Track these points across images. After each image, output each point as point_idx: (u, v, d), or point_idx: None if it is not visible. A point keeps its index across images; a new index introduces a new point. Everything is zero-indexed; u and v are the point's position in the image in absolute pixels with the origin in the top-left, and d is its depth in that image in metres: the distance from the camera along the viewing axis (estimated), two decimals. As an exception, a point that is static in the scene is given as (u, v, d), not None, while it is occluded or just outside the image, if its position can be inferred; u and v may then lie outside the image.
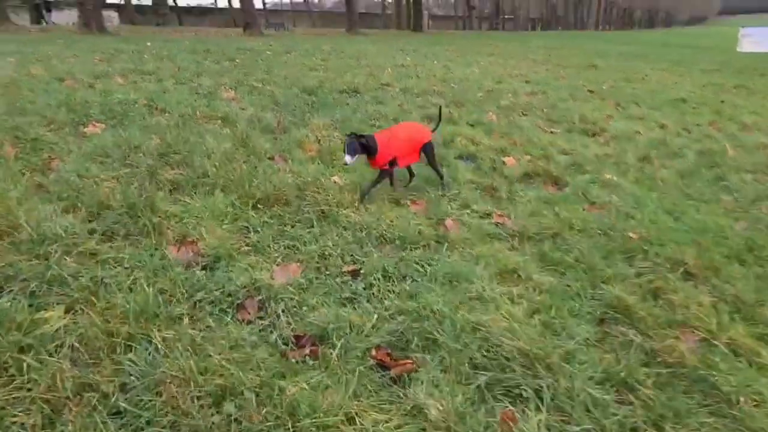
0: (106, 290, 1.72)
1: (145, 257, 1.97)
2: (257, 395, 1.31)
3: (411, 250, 2.30)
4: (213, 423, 1.22)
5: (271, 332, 1.65)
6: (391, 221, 2.56)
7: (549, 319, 1.78)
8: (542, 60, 14.77)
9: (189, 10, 49.70)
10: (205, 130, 3.98)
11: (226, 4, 51.32)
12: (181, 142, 3.55)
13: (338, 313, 1.72)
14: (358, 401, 1.37)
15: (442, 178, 3.20)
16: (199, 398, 1.28)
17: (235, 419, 1.24)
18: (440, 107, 3.75)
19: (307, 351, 1.56)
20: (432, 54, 15.15)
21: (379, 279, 2.00)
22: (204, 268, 1.99)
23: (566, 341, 1.67)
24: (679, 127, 5.98)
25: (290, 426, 1.25)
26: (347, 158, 2.66)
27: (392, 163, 2.90)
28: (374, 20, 55.56)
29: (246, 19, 24.63)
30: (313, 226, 2.47)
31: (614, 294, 1.96)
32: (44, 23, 23.99)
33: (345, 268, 2.08)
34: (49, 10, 27.67)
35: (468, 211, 2.86)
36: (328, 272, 2.04)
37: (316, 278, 2.01)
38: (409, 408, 1.37)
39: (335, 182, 2.97)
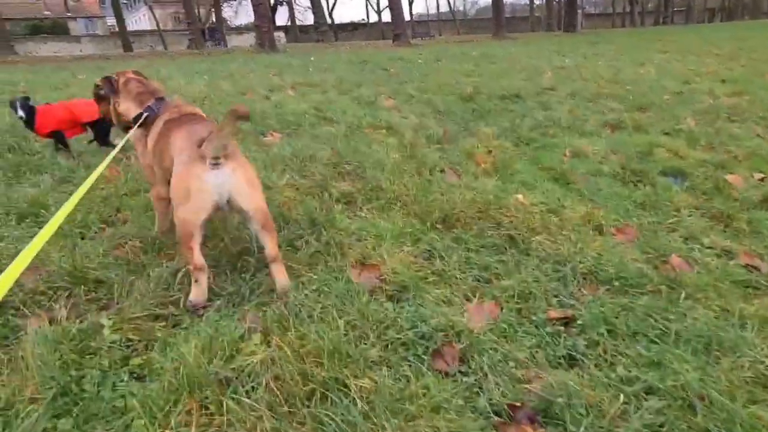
0: (297, 317, 1.59)
1: (331, 280, 1.83)
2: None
3: (634, 295, 1.81)
4: None
5: (478, 393, 1.34)
6: (598, 254, 2.08)
7: None
8: (730, 54, 12.26)
9: (343, 27, 53.88)
10: (372, 140, 3.92)
11: (376, 18, 54.34)
12: (351, 152, 3.51)
13: (563, 380, 1.33)
14: None
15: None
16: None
17: None
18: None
19: (529, 430, 1.21)
20: (593, 54, 13.73)
21: (603, 334, 1.56)
22: (390, 298, 1.77)
23: None
24: None
25: None
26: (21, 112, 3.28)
27: (57, 133, 3.45)
28: (520, 24, 53.39)
29: (395, 31, 25.51)
30: (502, 254, 2.12)
31: None
32: (208, 46, 28.70)
33: (552, 314, 1.69)
34: (211, 37, 33.31)
35: (698, 245, 2.23)
36: (534, 318, 1.66)
37: (519, 323, 1.65)
38: None
39: (520, 201, 2.58)
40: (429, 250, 2.12)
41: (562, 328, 1.62)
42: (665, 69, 9.49)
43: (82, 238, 2.24)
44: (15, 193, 2.63)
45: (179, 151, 1.72)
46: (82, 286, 1.77)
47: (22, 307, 1.66)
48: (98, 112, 3.36)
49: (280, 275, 1.78)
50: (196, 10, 33.02)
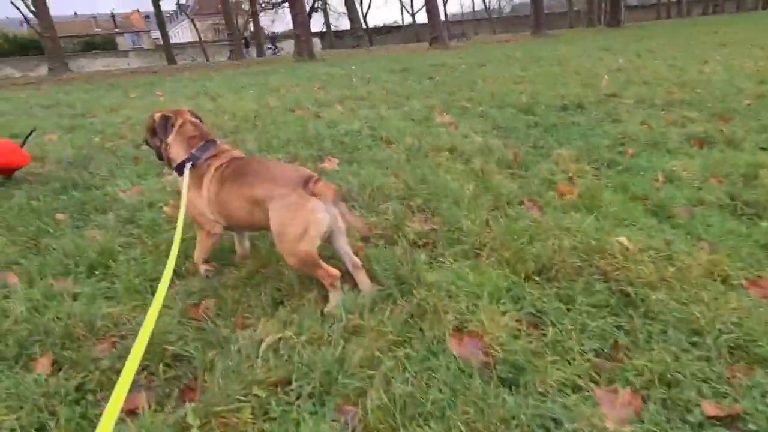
0: (403, 411, 1.37)
1: (432, 358, 1.60)
2: None
3: (804, 380, 1.48)
4: None
5: None
6: (739, 318, 1.75)
7: None
8: (801, 44, 11.24)
9: (377, 30, 54.06)
10: (437, 164, 3.68)
11: (409, 20, 54.16)
12: (418, 180, 3.29)
13: None
14: None
15: None
16: None
17: None
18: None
19: None
20: (646, 51, 13.01)
21: (785, 445, 1.26)
22: (504, 382, 1.52)
23: None
24: None
25: None
26: None
27: None
28: (558, 20, 51.81)
29: (432, 33, 25.22)
30: (617, 316, 1.84)
31: None
32: (246, 57, 29.92)
33: (710, 410, 1.39)
34: (247, 46, 35.26)
35: None
36: (688, 414, 1.38)
37: (669, 422, 1.37)
38: None
39: (624, 245, 2.27)
40: (533, 314, 1.85)
41: (723, 430, 1.33)
42: (732, 66, 8.78)
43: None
44: (82, 239, 2.54)
45: (274, 192, 1.87)
46: (161, 364, 1.61)
47: (98, 392, 1.52)
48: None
49: (365, 282, 2.03)
50: (236, 21, 33.78)
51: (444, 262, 2.24)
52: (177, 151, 2.11)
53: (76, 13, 63.13)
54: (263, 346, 1.66)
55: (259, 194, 1.89)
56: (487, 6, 63.82)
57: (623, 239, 2.32)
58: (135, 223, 2.83)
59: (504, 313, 1.83)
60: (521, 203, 2.91)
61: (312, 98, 7.47)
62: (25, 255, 2.46)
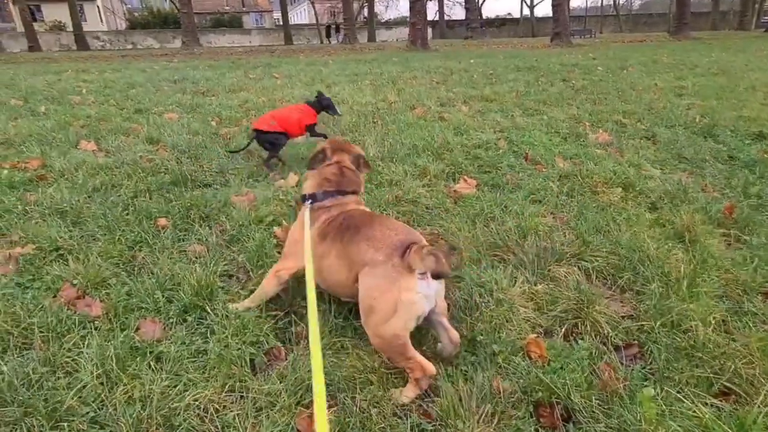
0: None
1: None
2: None
3: None
4: None
5: None
6: None
7: None
8: None
9: (490, 22, 51.79)
10: (610, 205, 2.81)
11: (522, 13, 51.09)
12: (590, 229, 2.46)
13: None
14: None
15: None
16: None
17: None
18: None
19: None
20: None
21: None
22: None
23: None
24: None
25: None
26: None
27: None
28: (698, 20, 45.44)
29: (555, 29, 23.22)
30: None
31: None
32: (330, 42, 30.31)
33: None
34: (334, 32, 36.24)
35: None
36: None
37: None
38: None
39: None
40: None
41: None
42: None
43: (251, 368, 1.57)
44: (180, 265, 2.10)
45: (366, 255, 1.54)
46: None
47: None
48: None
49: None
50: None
51: (676, 396, 1.43)
52: (308, 184, 1.98)
53: (210, -8, 68.26)
54: None
55: (353, 254, 1.59)
56: (616, 1, 57.87)
57: None
58: (240, 243, 2.36)
59: None
60: (764, 294, 1.97)
61: (433, 95, 6.78)
62: (118, 273, 2.08)
